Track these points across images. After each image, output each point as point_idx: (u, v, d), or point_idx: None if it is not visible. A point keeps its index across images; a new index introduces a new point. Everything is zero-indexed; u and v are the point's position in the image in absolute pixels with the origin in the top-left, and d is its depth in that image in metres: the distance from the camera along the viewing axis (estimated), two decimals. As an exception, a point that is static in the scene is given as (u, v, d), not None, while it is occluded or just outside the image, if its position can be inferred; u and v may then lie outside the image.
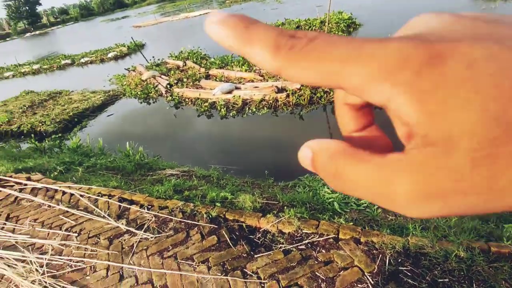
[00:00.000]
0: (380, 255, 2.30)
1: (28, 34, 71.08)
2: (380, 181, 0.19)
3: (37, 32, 70.89)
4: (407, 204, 0.18)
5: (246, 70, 9.39)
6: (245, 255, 2.66)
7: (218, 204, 3.34)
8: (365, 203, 3.11)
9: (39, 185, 4.65)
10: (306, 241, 2.61)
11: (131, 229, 3.33)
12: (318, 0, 21.63)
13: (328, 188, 3.42)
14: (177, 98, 8.91)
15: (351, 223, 2.73)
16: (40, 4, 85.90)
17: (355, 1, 19.63)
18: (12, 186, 4.87)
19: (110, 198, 3.95)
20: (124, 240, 3.24)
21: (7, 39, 71.90)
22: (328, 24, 12.14)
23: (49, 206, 4.17)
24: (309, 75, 0.19)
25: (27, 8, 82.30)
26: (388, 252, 2.30)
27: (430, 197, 0.17)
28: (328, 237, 2.58)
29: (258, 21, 0.21)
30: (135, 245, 3.12)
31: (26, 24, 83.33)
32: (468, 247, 2.21)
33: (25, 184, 4.77)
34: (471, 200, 0.17)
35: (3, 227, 3.94)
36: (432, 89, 0.16)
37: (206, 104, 8.07)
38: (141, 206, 3.67)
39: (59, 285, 2.87)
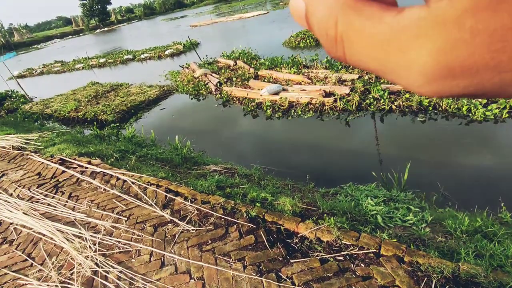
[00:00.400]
0: (426, 279, 2.16)
1: (98, 30, 77.70)
2: (394, 46, 0.15)
3: (106, 29, 77.19)
4: (423, 77, 0.14)
5: (294, 72, 9.34)
6: (281, 258, 2.66)
7: (258, 204, 3.38)
8: (411, 220, 2.94)
9: (97, 169, 5.08)
10: (345, 253, 2.54)
11: (174, 219, 3.50)
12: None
13: (372, 200, 3.29)
14: (226, 96, 9.14)
15: (395, 240, 2.60)
16: (110, 3, 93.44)
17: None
18: (75, 168, 5.38)
19: (158, 188, 4.19)
20: (168, 229, 3.42)
21: (81, 34, 79.32)
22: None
23: (105, 189, 4.54)
24: None
25: (99, 6, 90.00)
26: (435, 276, 2.15)
27: (452, 71, 0.13)
28: (369, 251, 2.49)
29: None
30: (177, 235, 3.28)
31: (97, 21, 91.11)
32: (527, 282, 1.99)
33: (86, 167, 5.24)
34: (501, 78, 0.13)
35: (66, 204, 4.38)
36: None
37: (253, 103, 8.18)
38: (185, 198, 3.84)
39: (108, 264, 3.12)
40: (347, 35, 0.17)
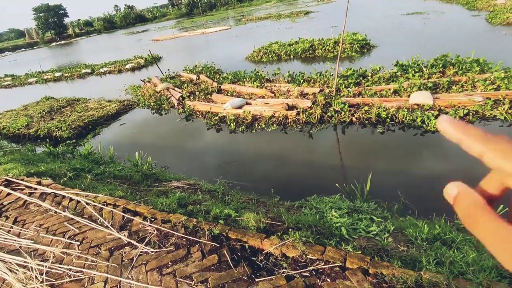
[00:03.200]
0: (389, 289, 2.15)
1: (54, 44, 73.96)
2: (505, 240, 0.26)
3: (63, 42, 73.74)
4: None
5: (257, 86, 9.42)
6: (245, 278, 2.54)
7: (221, 222, 3.25)
8: (375, 230, 2.96)
9: (48, 190, 4.67)
10: (311, 268, 2.48)
11: (132, 241, 3.26)
12: (333, 21, 21.90)
13: (336, 212, 3.29)
14: (189, 110, 8.98)
15: (359, 252, 2.59)
16: (67, 16, 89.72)
17: (370, 22, 19.75)
18: (22, 189, 4.91)
19: (115, 208, 3.92)
20: (125, 252, 3.18)
21: (35, 47, 74.98)
22: (342, 44, 12.17)
23: (56, 212, 4.17)
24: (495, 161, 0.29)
25: (55, 19, 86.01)
26: (399, 287, 2.15)
27: None
28: (334, 265, 2.45)
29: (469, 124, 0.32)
30: (135, 259, 3.05)
31: (53, 34, 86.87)
32: (487, 288, 2.04)
33: (35, 188, 4.80)
34: None
35: (10, 230, 3.95)
36: None
37: (216, 117, 8.09)
38: (144, 218, 3.62)
39: (55, 296, 2.81)
40: (480, 222, 0.29)
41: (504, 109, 5.87)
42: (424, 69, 8.38)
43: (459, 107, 6.22)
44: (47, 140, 8.49)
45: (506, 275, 2.27)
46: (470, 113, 6.01)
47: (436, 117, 6.06)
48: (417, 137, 5.85)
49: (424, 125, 6.01)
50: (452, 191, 0.32)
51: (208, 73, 12.32)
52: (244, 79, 10.44)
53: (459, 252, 2.51)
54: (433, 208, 3.69)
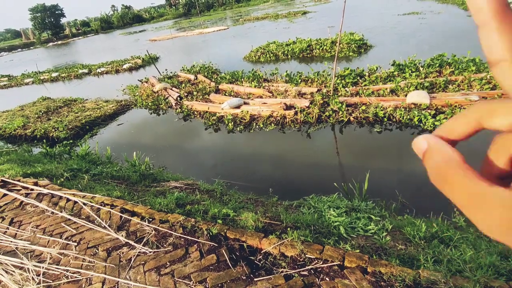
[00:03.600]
0: (388, 288, 2.15)
1: (51, 44, 73.60)
2: (482, 203, 0.22)
3: (59, 42, 73.44)
4: (497, 228, 0.22)
5: (255, 86, 9.42)
6: (244, 277, 2.54)
7: (220, 221, 3.24)
8: (373, 229, 2.97)
9: (45, 191, 4.64)
10: (309, 267, 2.48)
11: (130, 241, 3.25)
12: (330, 21, 21.94)
13: (334, 211, 3.29)
14: (186, 110, 8.96)
15: (358, 250, 2.59)
16: (64, 16, 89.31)
17: (367, 22, 19.80)
18: (19, 190, 4.88)
19: (112, 208, 3.90)
20: (123, 253, 3.16)
21: (31, 47, 74.60)
22: (339, 44, 12.18)
23: (52, 212, 4.14)
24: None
25: (52, 19, 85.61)
26: (397, 285, 2.15)
27: None
28: (333, 264, 2.45)
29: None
30: (133, 259, 3.04)
31: (50, 34, 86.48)
32: (486, 286, 2.04)
33: (32, 189, 4.77)
34: None
35: (6, 232, 3.92)
36: None
37: (214, 117, 8.08)
38: (142, 218, 3.60)
39: (53, 297, 2.79)
40: (450, 181, 0.25)
41: (500, 108, 5.90)
42: (421, 68, 8.41)
43: (455, 106, 6.24)
44: (44, 140, 8.45)
45: (504, 273, 2.28)
46: (467, 112, 6.03)
47: (433, 116, 6.08)
48: (414, 136, 5.85)
49: (421, 124, 6.03)
50: (422, 144, 0.28)
51: (206, 73, 12.30)
52: (242, 79, 10.44)
53: (456, 250, 2.52)
54: (431, 206, 3.70)
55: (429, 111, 6.26)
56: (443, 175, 0.25)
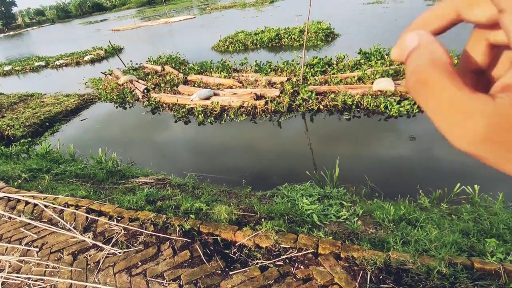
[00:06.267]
0: (361, 272, 2.20)
1: (1, 35, 68.16)
2: (462, 109, 0.21)
3: (11, 33, 68.13)
4: (470, 138, 0.20)
5: (225, 77, 9.26)
6: (219, 272, 2.50)
7: (192, 216, 3.16)
8: (345, 215, 3.02)
9: (0, 194, 4.31)
10: (284, 257, 2.48)
11: (98, 243, 3.10)
12: (298, 9, 21.98)
13: (307, 199, 3.31)
14: (154, 103, 8.65)
15: (331, 237, 2.63)
16: (15, 5, 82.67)
17: (333, 11, 20.06)
18: (-30, 195, 4.50)
19: (77, 209, 3.70)
20: (90, 255, 3.01)
21: (-22, 39, 68.65)
22: (307, 33, 12.23)
23: (10, 217, 3.86)
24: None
25: (3, 8, 78.98)
26: (369, 268, 2.20)
27: (489, 142, 0.20)
28: (307, 252, 2.46)
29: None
30: (101, 261, 2.90)
31: (1, 24, 79.91)
32: (450, 263, 2.14)
33: (-15, 194, 4.41)
34: None
35: (-43, 241, 3.60)
36: None
37: (184, 110, 7.87)
38: (110, 217, 3.44)
39: (14, 307, 2.61)
40: (431, 84, 0.22)
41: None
42: (386, 56, 8.64)
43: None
44: (-2, 139, 7.85)
45: (465, 249, 2.41)
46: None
47: (398, 102, 6.29)
48: (381, 123, 6.05)
49: (387, 111, 6.21)
50: (411, 41, 0.25)
51: (173, 64, 11.92)
52: (211, 70, 10.22)
53: (422, 230, 2.62)
54: (398, 190, 3.84)
55: (394, 97, 6.46)
56: (425, 77, 0.22)
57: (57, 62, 18.39)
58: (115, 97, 9.87)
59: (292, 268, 2.40)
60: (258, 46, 14.16)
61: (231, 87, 8.61)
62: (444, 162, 4.60)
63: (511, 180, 3.48)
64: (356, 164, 4.90)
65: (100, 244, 3.06)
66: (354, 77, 7.70)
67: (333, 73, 8.25)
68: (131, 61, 13.45)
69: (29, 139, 8.08)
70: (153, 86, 9.89)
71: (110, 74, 12.35)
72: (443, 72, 0.22)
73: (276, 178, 4.68)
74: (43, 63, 18.99)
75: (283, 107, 7.03)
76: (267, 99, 7.25)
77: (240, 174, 4.96)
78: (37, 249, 3.20)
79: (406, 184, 4.13)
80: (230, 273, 2.46)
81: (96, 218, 3.45)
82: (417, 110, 6.05)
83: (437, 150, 4.93)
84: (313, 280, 2.26)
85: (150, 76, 10.99)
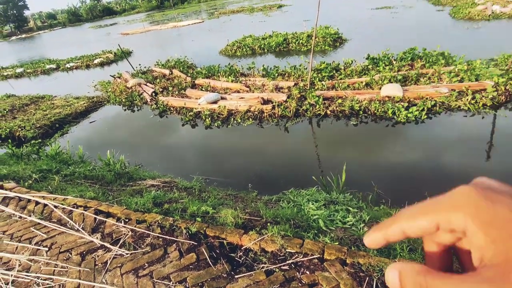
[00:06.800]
0: (367, 279, 2.19)
1: (14, 37, 69.57)
2: None
3: (24, 36, 69.50)
4: None
5: (232, 81, 9.33)
6: (225, 275, 2.51)
7: (199, 219, 3.19)
8: (351, 221, 3.02)
9: (11, 194, 4.40)
10: (290, 261, 2.49)
11: (105, 244, 3.14)
12: (306, 14, 22.06)
13: (313, 204, 3.32)
14: (162, 106, 8.75)
15: (337, 243, 2.63)
16: (27, 8, 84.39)
17: (341, 16, 20.07)
18: (-18, 194, 4.59)
19: (85, 210, 3.75)
20: (98, 256, 3.05)
21: (-8, 41, 70.09)
22: (315, 38, 12.26)
23: (20, 217, 3.93)
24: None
25: (15, 11, 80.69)
26: (376, 275, 2.20)
27: None
28: (313, 257, 2.47)
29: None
30: (109, 262, 2.93)
31: (13, 27, 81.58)
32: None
33: (-4, 193, 4.50)
34: None
35: (-31, 239, 3.68)
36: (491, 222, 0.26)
37: (191, 113, 7.94)
38: (118, 219, 3.49)
39: (23, 306, 2.66)
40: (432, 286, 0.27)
41: (467, 99, 6.16)
42: (394, 62, 8.63)
43: (426, 98, 6.45)
44: (9, 140, 7.98)
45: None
46: (437, 104, 6.26)
47: (406, 108, 6.26)
48: (388, 128, 6.03)
49: (395, 117, 6.19)
50: (393, 277, 0.29)
51: (181, 68, 12.04)
52: (219, 74, 10.30)
53: (430, 238, 2.60)
54: (405, 196, 3.81)
55: (402, 103, 6.43)
56: (424, 285, 0.27)
57: (67, 65, 18.71)
58: (123, 100, 10.00)
59: (297, 273, 2.40)
60: (266, 50, 14.24)
61: (238, 91, 8.67)
62: (452, 169, 4.56)
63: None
64: (363, 170, 4.89)
65: (108, 245, 3.10)
66: (361, 82, 7.69)
67: (341, 78, 8.26)
68: (139, 64, 13.63)
69: (40, 140, 8.22)
70: (161, 89, 10.00)
71: (119, 77, 12.52)
72: (429, 274, 0.27)
73: (282, 183, 4.69)
74: (54, 66, 19.33)
75: (290, 112, 7.05)
76: (274, 103, 7.28)
77: (246, 178, 4.98)
78: (47, 249, 3.26)
79: (413, 191, 4.11)
80: (236, 276, 2.47)
81: (104, 219, 3.50)
82: (425, 117, 6.01)
83: (445, 156, 4.89)
84: (319, 285, 2.26)
85: (158, 80, 11.12)
